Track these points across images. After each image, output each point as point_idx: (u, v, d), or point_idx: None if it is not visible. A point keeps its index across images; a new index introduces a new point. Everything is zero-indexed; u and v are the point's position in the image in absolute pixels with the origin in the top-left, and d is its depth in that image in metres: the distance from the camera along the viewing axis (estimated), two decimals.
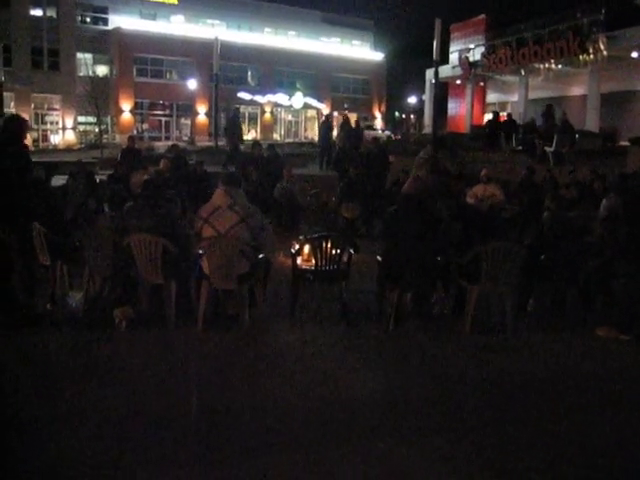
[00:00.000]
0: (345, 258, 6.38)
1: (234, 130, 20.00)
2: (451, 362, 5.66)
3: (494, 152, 20.46)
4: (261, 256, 6.30)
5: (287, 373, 5.25)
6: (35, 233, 6.50)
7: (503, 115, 29.85)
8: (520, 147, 21.38)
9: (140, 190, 7.02)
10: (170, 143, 40.94)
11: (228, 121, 20.81)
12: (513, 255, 6.10)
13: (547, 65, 31.88)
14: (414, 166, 12.97)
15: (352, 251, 6.36)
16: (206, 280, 6.05)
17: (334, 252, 6.27)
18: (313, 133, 57.51)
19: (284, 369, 5.34)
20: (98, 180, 15.47)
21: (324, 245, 6.26)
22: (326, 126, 21.48)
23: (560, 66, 31.57)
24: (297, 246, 9.36)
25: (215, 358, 5.58)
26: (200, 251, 6.07)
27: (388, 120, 63.36)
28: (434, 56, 23.35)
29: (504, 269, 6.11)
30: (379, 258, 6.59)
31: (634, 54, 29.24)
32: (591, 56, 28.58)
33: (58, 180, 13.34)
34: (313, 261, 6.40)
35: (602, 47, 28.00)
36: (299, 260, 6.67)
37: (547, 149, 19.32)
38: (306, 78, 56.31)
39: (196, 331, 6.07)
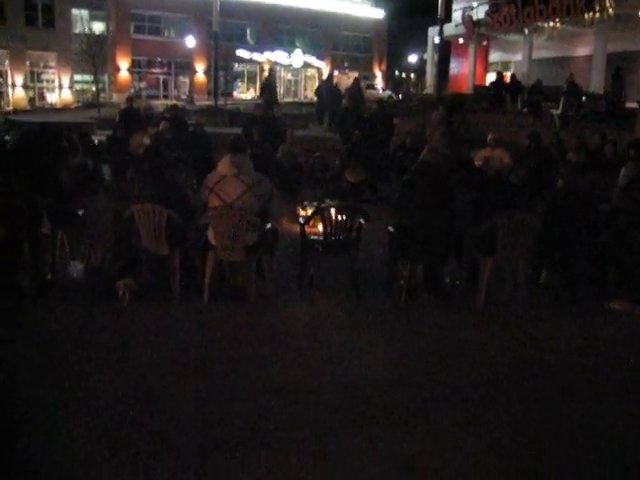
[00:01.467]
0: (355, 227, 6.17)
1: (270, 91, 19.48)
2: (464, 338, 5.50)
3: (499, 114, 20.08)
4: (269, 226, 6.10)
5: (295, 351, 5.08)
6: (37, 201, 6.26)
7: (506, 75, 29.44)
8: (525, 109, 20.97)
9: (141, 153, 6.77)
10: (169, 102, 40.61)
11: (264, 82, 20.34)
12: (528, 226, 5.91)
13: (552, 24, 31.26)
14: (430, 129, 12.70)
15: (362, 220, 6.14)
16: (212, 251, 5.84)
17: (344, 222, 6.06)
18: (313, 92, 56.63)
19: (292, 346, 5.18)
20: (96, 141, 15.23)
21: (334, 215, 6.04)
22: (330, 84, 20.95)
23: (565, 25, 30.92)
24: (303, 212, 9.23)
25: (221, 333, 5.40)
26: (206, 221, 5.85)
27: (389, 79, 62.52)
28: (439, 13, 23.00)
29: (519, 241, 5.93)
30: (390, 229, 6.38)
31: None
32: (597, 14, 28.01)
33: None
34: (322, 231, 6.18)
35: (609, 5, 27.40)
36: (307, 229, 6.44)
37: (553, 111, 19.00)
38: (306, 36, 55.38)
39: (201, 304, 5.89)
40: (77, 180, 6.93)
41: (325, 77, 24.08)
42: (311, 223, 6.37)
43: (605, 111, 20.74)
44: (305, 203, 9.39)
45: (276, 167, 12.86)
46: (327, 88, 20.37)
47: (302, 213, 9.26)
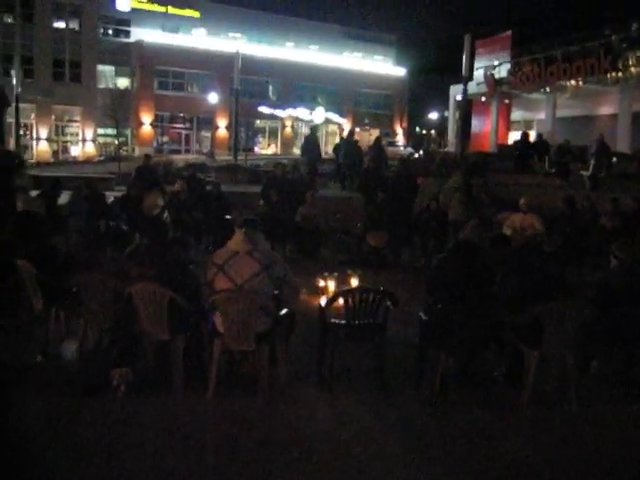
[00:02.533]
0: (382, 312, 5.46)
1: (312, 149, 19.02)
2: (507, 444, 4.74)
3: (525, 174, 19.49)
4: (284, 311, 5.42)
5: (310, 461, 4.36)
6: (26, 273, 5.65)
7: (528, 134, 28.99)
8: (553, 170, 20.36)
9: (153, 216, 6.16)
10: (190, 157, 40.65)
11: (306, 140, 19.90)
12: (578, 314, 5.19)
13: (576, 83, 30.98)
14: (442, 194, 12.11)
15: (390, 305, 5.44)
16: (219, 339, 5.16)
17: (370, 306, 5.36)
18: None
19: (307, 454, 4.44)
20: (112, 198, 14.80)
21: (359, 298, 5.34)
22: (348, 142, 20.40)
23: (589, 84, 30.60)
24: (323, 283, 8.57)
25: (226, 434, 4.69)
26: (213, 304, 5.19)
27: (409, 136, 62.55)
28: (463, 72, 22.65)
29: (568, 330, 5.21)
30: (422, 315, 5.67)
31: None
32: (621, 74, 27.68)
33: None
34: (344, 315, 5.47)
35: (632, 64, 27.09)
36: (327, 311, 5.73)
37: (583, 173, 18.37)
38: (327, 93, 55.81)
39: (206, 397, 5.18)
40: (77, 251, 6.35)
41: (345, 133, 23.47)
42: (333, 305, 5.63)
43: (636, 172, 20.11)
44: (325, 274, 8.78)
45: (295, 230, 12.29)
46: (347, 145, 19.83)
47: (322, 284, 8.65)
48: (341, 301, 5.46)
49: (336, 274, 8.77)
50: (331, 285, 8.58)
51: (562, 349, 5.31)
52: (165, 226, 5.69)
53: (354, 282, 8.79)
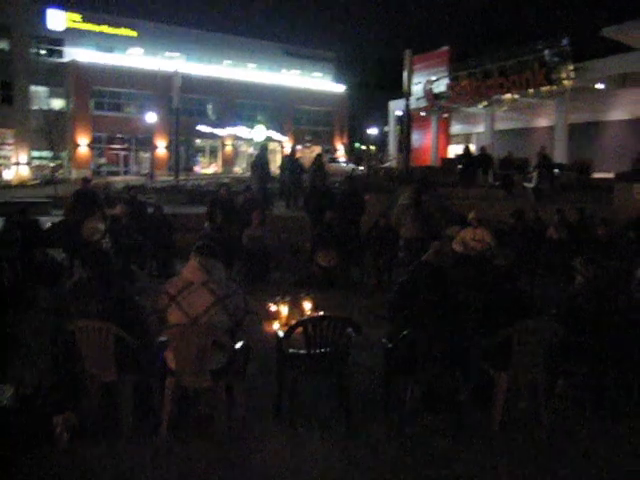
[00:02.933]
0: (344, 341, 5.15)
1: (263, 167, 18.54)
2: (483, 473, 4.50)
3: (469, 188, 19.57)
4: (240, 344, 5.06)
5: None
6: None
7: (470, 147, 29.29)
8: (497, 183, 20.51)
9: (90, 251, 5.73)
10: (129, 178, 39.78)
11: (256, 157, 19.41)
12: (546, 334, 5.01)
13: (512, 96, 31.56)
14: (395, 213, 11.95)
15: (353, 333, 5.14)
16: (172, 376, 4.78)
17: (332, 335, 5.04)
18: (275, 166, 56.27)
19: None
20: (49, 224, 14.18)
21: (320, 327, 5.01)
22: (291, 159, 20.16)
23: (526, 97, 31.22)
24: (274, 308, 8.22)
25: (183, 478, 4.33)
26: (164, 339, 4.81)
27: (350, 152, 62.86)
28: (404, 87, 22.68)
29: (536, 350, 5.02)
30: (386, 342, 5.37)
31: (599, 85, 29.10)
32: (556, 87, 28.32)
33: None
34: (305, 345, 5.11)
35: (566, 78, 27.75)
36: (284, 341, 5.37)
37: (526, 185, 18.54)
38: (267, 110, 55.71)
39: (159, 440, 4.77)
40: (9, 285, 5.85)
41: (288, 151, 23.22)
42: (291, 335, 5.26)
43: (576, 183, 20.44)
44: (277, 298, 8.42)
45: (242, 253, 11.93)
46: (291, 163, 19.60)
47: (274, 309, 8.30)
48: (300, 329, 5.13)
49: (288, 298, 8.42)
50: (284, 310, 8.24)
51: (531, 370, 5.11)
52: (108, 255, 5.22)
53: (307, 306, 8.47)
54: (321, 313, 5.45)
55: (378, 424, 5.24)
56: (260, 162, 18.60)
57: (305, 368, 5.14)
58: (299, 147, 48.68)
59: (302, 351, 5.14)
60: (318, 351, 5.07)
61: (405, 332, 4.93)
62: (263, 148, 19.72)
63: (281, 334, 5.33)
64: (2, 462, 4.46)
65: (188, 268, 5.01)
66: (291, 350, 5.26)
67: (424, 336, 4.88)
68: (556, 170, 20.08)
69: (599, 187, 18.06)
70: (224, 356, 4.81)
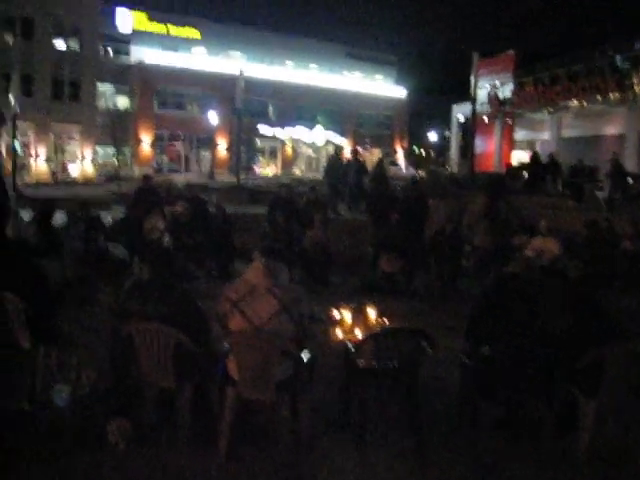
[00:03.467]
0: (416, 356, 4.76)
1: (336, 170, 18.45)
2: None
3: (537, 196, 18.88)
4: (306, 355, 4.73)
5: None
6: (12, 307, 4.93)
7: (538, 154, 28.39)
8: (567, 191, 19.75)
9: (152, 250, 5.46)
10: (190, 176, 40.06)
11: (329, 161, 19.37)
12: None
13: (580, 102, 30.55)
14: (466, 219, 11.43)
15: (428, 348, 4.74)
16: (233, 387, 4.47)
17: (405, 350, 4.66)
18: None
19: None
20: (111, 221, 14.15)
21: (394, 341, 4.64)
22: (357, 161, 19.80)
23: (594, 104, 30.16)
24: (338, 316, 7.89)
25: None
26: (225, 346, 4.51)
27: (409, 156, 62.26)
28: (471, 90, 22.17)
29: (630, 376, 4.55)
30: (464, 358, 4.97)
31: None
32: (628, 94, 27.24)
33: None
34: (374, 359, 4.74)
35: (637, 83, 26.65)
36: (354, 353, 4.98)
37: (598, 194, 17.77)
38: (328, 113, 55.46)
39: (218, 454, 4.47)
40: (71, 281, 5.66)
41: (350, 154, 22.79)
42: (363, 349, 4.84)
43: None
44: (341, 304, 8.10)
45: (303, 256, 11.64)
46: (355, 166, 19.24)
47: (337, 316, 7.98)
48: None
49: (353, 305, 8.09)
50: (348, 317, 7.91)
51: (624, 398, 4.64)
52: (169, 255, 4.95)
53: (372, 313, 8.14)
54: (392, 324, 5.05)
55: (451, 445, 4.84)
56: (333, 165, 18.47)
57: (375, 383, 4.77)
58: (360, 150, 48.31)
59: (373, 364, 4.76)
60: (390, 365, 4.70)
61: (486, 350, 4.51)
62: (337, 151, 19.61)
63: (350, 346, 4.95)
64: (54, 464, 4.24)
65: (252, 271, 4.68)
66: (360, 362, 4.89)
67: (508, 356, 4.45)
68: (630, 179, 19.24)
69: None
70: (290, 367, 4.48)
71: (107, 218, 14.00)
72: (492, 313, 4.73)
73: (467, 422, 4.90)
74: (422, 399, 4.97)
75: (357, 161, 19.59)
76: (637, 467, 4.68)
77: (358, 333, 7.75)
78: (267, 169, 53.56)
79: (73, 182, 40.28)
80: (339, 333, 5.61)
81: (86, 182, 40.40)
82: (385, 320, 7.96)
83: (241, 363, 4.38)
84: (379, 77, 63.85)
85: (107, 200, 22.71)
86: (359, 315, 8.17)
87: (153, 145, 47.70)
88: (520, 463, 4.63)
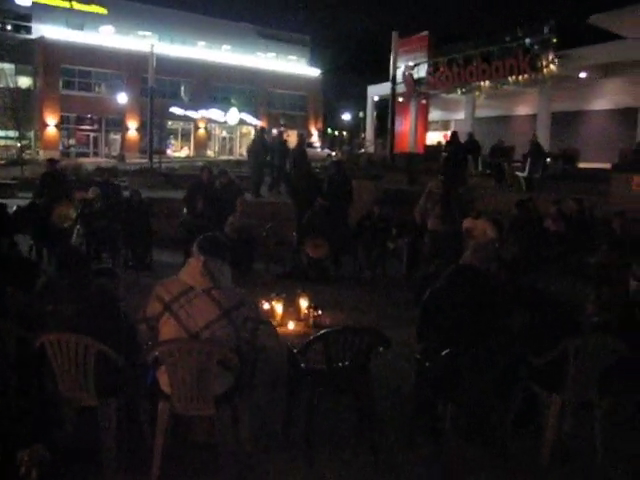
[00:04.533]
0: (366, 355, 4.33)
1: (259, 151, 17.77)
2: None
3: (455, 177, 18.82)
4: (247, 363, 4.20)
5: None
6: None
7: (446, 135, 28.59)
8: (488, 171, 19.81)
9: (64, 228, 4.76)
10: (99, 160, 38.54)
11: (253, 142, 18.64)
12: (608, 352, 4.26)
13: (494, 83, 30.95)
14: (420, 203, 11.03)
15: (381, 348, 4.32)
16: (165, 401, 3.91)
17: (357, 350, 4.21)
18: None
19: None
20: (14, 208, 13.13)
21: (344, 342, 4.18)
22: (280, 142, 19.22)
23: (507, 85, 30.62)
24: (267, 306, 7.41)
25: None
26: (156, 355, 3.93)
27: (324, 137, 62.17)
28: (390, 70, 21.93)
29: (593, 369, 4.28)
30: (422, 360, 4.56)
31: (582, 74, 28.65)
32: (540, 75, 27.74)
33: None
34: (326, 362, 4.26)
35: (552, 66, 27.15)
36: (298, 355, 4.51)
37: (519, 174, 17.86)
38: (241, 93, 54.66)
39: (150, 477, 3.93)
40: None
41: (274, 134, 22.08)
42: (310, 349, 4.35)
43: (563, 173, 19.90)
44: (273, 295, 7.62)
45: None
46: (279, 146, 18.67)
47: (267, 307, 7.50)
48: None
49: (284, 294, 7.63)
50: (279, 308, 7.46)
51: (587, 392, 4.37)
52: (84, 255, 4.30)
53: (304, 303, 7.71)
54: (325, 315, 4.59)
55: (407, 451, 4.45)
56: (257, 146, 17.86)
57: (324, 385, 4.31)
58: (274, 131, 47.74)
59: (320, 366, 4.31)
60: (339, 365, 4.26)
61: (446, 350, 4.12)
62: (260, 132, 19.00)
63: (295, 349, 4.47)
64: None
65: (188, 270, 4.05)
66: (306, 364, 4.43)
67: (469, 354, 4.08)
68: (548, 159, 19.47)
69: (593, 177, 17.46)
70: (230, 378, 3.95)
71: (12, 207, 12.98)
72: (443, 309, 4.35)
73: (424, 425, 4.52)
74: (374, 404, 4.55)
75: (282, 143, 19.01)
76: (603, 464, 4.43)
77: (291, 326, 7.35)
78: (180, 151, 52.28)
79: None
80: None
81: None
82: (319, 311, 7.60)
83: (174, 375, 3.81)
84: (293, 57, 63.31)
85: (11, 186, 21.45)
86: (291, 305, 7.75)
87: (59, 127, 45.59)
88: (482, 465, 4.31)
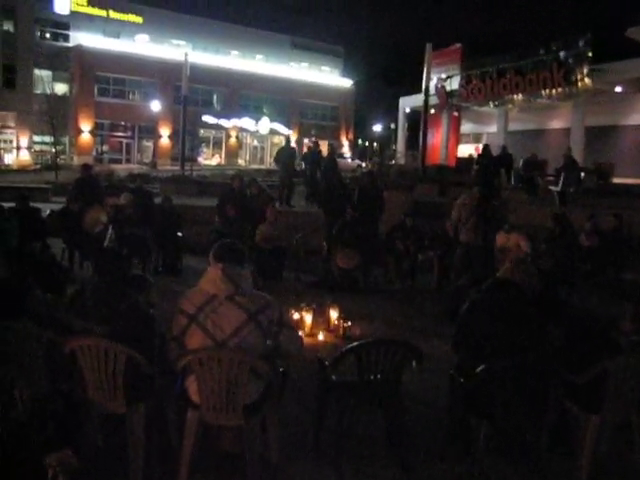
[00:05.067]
0: (398, 368, 4.24)
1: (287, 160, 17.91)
2: None
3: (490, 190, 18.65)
4: (277, 371, 4.15)
5: None
6: None
7: (478, 148, 28.36)
8: (520, 185, 19.58)
9: (99, 252, 4.73)
10: (132, 166, 38.94)
11: (281, 150, 18.83)
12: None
13: (527, 97, 30.68)
14: (454, 215, 10.89)
15: (414, 362, 4.23)
16: (194, 411, 3.86)
17: (389, 363, 4.13)
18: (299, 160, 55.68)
19: None
20: (48, 212, 13.27)
21: (376, 355, 4.10)
22: (314, 153, 19.20)
23: (541, 98, 30.32)
24: (297, 316, 7.36)
25: None
26: (184, 366, 3.87)
27: (354, 148, 62.22)
28: (423, 83, 21.87)
29: (635, 391, 4.15)
30: (457, 376, 4.45)
31: (618, 88, 28.29)
32: (574, 88, 27.42)
33: None
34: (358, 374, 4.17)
35: (587, 80, 26.82)
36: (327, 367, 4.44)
37: (552, 188, 17.64)
38: (273, 103, 54.93)
39: None
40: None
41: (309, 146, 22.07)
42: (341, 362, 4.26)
43: (597, 187, 19.62)
44: (302, 305, 7.59)
45: (254, 251, 11.04)
46: (312, 157, 18.70)
47: (297, 317, 7.46)
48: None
49: (314, 304, 7.59)
50: (308, 318, 7.42)
51: (627, 412, 4.23)
52: (120, 259, 4.26)
53: (334, 313, 7.66)
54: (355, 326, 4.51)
55: (438, 468, 4.34)
56: (284, 155, 17.87)
57: (355, 398, 4.23)
58: (305, 141, 47.87)
59: (352, 378, 4.23)
60: (371, 378, 4.17)
61: (483, 366, 4.01)
62: (287, 141, 19.04)
63: (327, 362, 4.39)
64: None
65: (208, 279, 3.95)
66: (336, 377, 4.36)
67: (505, 370, 3.98)
68: (582, 174, 19.21)
69: (628, 193, 17.17)
70: (260, 386, 3.89)
71: (46, 211, 13.13)
72: (483, 322, 4.25)
73: (457, 442, 4.42)
74: (405, 418, 4.46)
75: (316, 153, 19.00)
76: None
77: (321, 337, 7.29)
78: (211, 159, 52.65)
79: (8, 170, 38.78)
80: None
81: (22, 170, 38.92)
82: (349, 322, 7.54)
83: (203, 384, 3.76)
84: (326, 68, 63.49)
85: (45, 190, 21.74)
86: (321, 316, 7.69)
87: (93, 133, 46.21)
88: None
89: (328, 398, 4.40)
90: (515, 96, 30.97)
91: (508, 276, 4.49)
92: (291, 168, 18.01)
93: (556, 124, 34.80)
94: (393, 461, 4.36)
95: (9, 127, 43.54)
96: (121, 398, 3.92)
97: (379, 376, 4.17)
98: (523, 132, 36.54)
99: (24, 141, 43.46)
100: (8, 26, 43.10)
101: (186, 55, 26.18)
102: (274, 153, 19.73)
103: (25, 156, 43.50)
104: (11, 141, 43.73)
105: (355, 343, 4.20)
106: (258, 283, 6.94)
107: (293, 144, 20.11)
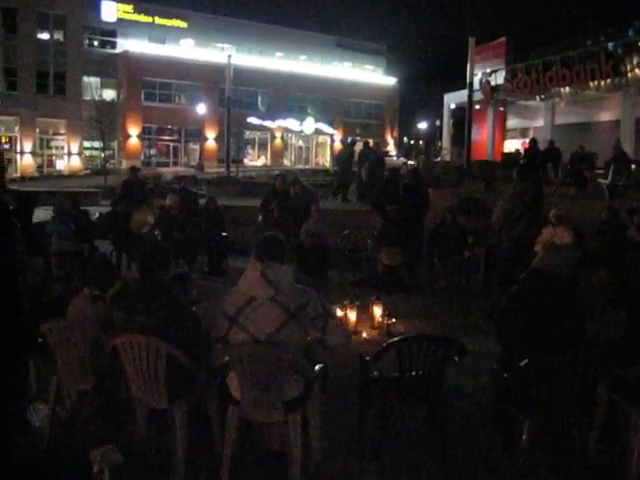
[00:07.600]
0: (440, 364, 4.19)
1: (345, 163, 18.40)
2: None
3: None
4: (317, 367, 4.16)
5: None
6: None
7: (525, 142, 27.86)
8: (569, 179, 19.18)
9: (144, 250, 4.73)
10: (179, 169, 39.44)
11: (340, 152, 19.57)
12: None
13: (575, 89, 30.03)
14: (500, 211, 10.70)
15: (457, 357, 4.18)
16: (235, 407, 3.87)
17: (431, 358, 4.09)
18: (324, 159, 56.03)
19: None
20: (97, 214, 13.56)
21: (418, 350, 4.06)
22: (348, 152, 19.33)
23: (588, 90, 29.63)
24: (341, 313, 7.35)
25: None
26: (225, 362, 3.89)
27: (400, 146, 61.84)
28: (468, 78, 21.64)
29: None
30: (500, 370, 4.38)
31: None
32: (623, 79, 26.72)
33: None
34: (399, 370, 4.15)
35: (637, 70, 26.11)
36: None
37: (602, 181, 17.24)
38: (317, 103, 55.01)
39: None
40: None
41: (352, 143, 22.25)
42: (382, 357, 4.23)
43: None
44: (346, 302, 7.58)
45: (299, 249, 11.07)
46: (366, 156, 18.82)
47: (341, 314, 7.44)
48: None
49: (357, 302, 7.57)
50: (352, 315, 7.41)
51: None
52: (165, 256, 4.28)
53: (378, 310, 7.63)
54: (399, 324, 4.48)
55: (482, 463, 4.27)
56: (343, 157, 18.29)
57: (396, 394, 4.20)
58: (349, 139, 47.81)
59: (393, 374, 4.20)
60: (413, 374, 4.13)
61: (526, 360, 3.92)
62: (351, 143, 19.48)
63: (367, 357, 4.38)
64: None
65: (246, 279, 3.91)
66: (376, 373, 4.33)
67: (549, 364, 3.89)
68: (633, 166, 18.71)
69: None
70: (300, 383, 3.88)
71: (95, 214, 13.41)
72: (521, 314, 4.17)
73: (501, 439, 4.34)
74: (447, 413, 4.41)
75: (370, 150, 19.23)
76: None
77: (365, 334, 7.27)
78: (257, 160, 53.01)
79: (59, 176, 39.75)
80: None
81: (72, 175, 39.85)
82: (393, 319, 7.50)
83: (244, 381, 3.78)
84: (369, 67, 63.27)
85: (94, 194, 22.18)
86: (364, 313, 7.67)
87: (141, 138, 46.99)
88: None
89: (370, 394, 4.37)
90: (562, 89, 30.32)
91: (539, 266, 4.39)
92: (348, 167, 18.33)
93: (605, 116, 33.92)
94: (435, 457, 4.31)
95: (60, 134, 44.61)
96: (163, 394, 3.96)
97: (421, 372, 4.12)
98: (571, 125, 35.72)
99: (75, 147, 44.46)
100: (58, 36, 44.14)
101: (229, 57, 26.32)
102: (319, 153, 20.23)
103: (76, 161, 44.50)
104: (62, 147, 44.77)
105: (396, 338, 4.17)
106: (302, 281, 6.94)
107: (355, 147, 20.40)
